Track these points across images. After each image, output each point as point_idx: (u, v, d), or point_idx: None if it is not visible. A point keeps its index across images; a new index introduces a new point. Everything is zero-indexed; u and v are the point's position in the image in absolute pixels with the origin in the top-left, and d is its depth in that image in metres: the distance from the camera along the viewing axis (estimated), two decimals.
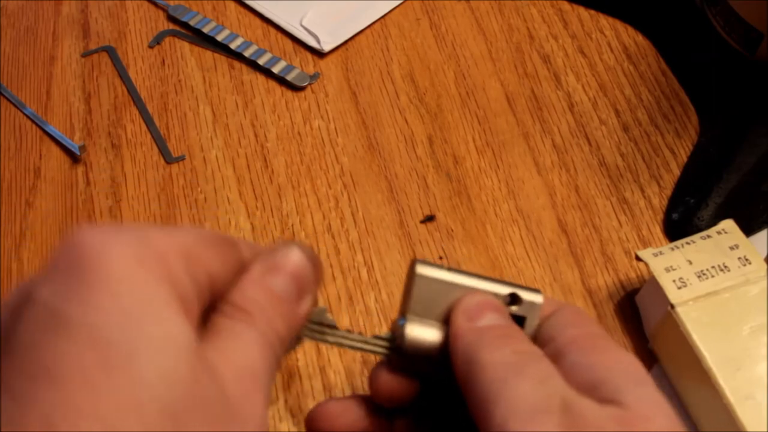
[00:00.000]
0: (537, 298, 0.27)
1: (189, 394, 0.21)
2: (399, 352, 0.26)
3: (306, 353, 0.37)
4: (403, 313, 0.26)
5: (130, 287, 0.21)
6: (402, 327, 0.26)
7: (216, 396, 0.22)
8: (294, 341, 0.27)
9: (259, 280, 0.26)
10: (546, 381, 0.23)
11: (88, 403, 0.19)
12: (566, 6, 0.50)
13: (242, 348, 0.24)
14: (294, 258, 0.26)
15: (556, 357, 0.25)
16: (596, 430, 0.22)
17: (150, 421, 0.19)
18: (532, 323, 0.27)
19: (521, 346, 0.25)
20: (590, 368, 0.24)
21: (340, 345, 0.27)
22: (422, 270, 0.26)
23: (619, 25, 0.49)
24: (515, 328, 0.26)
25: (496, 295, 0.27)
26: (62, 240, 0.22)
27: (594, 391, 0.23)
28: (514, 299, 0.27)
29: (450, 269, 0.27)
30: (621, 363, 0.24)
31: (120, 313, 0.21)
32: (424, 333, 0.26)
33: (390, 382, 0.28)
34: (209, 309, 0.26)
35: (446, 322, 0.26)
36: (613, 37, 0.49)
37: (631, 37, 0.49)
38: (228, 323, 0.25)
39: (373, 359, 0.36)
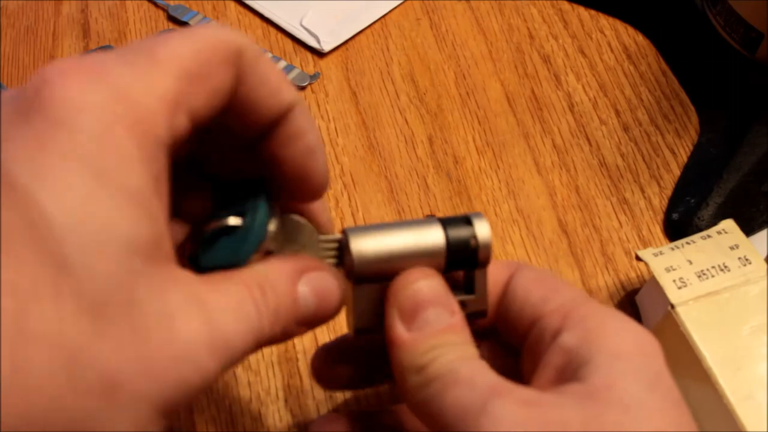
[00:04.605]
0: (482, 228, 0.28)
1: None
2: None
3: (306, 352, 0.37)
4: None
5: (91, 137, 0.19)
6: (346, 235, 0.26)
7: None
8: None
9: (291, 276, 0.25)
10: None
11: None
12: (566, 6, 0.50)
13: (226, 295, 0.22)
14: (329, 283, 0.25)
15: (552, 335, 0.25)
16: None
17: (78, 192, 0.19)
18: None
19: (464, 350, 0.25)
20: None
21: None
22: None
23: (619, 25, 0.49)
24: (455, 318, 0.25)
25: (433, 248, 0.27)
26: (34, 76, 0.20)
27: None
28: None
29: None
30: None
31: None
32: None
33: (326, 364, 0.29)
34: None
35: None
36: (614, 37, 0.49)
37: (631, 37, 0.49)
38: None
39: None
